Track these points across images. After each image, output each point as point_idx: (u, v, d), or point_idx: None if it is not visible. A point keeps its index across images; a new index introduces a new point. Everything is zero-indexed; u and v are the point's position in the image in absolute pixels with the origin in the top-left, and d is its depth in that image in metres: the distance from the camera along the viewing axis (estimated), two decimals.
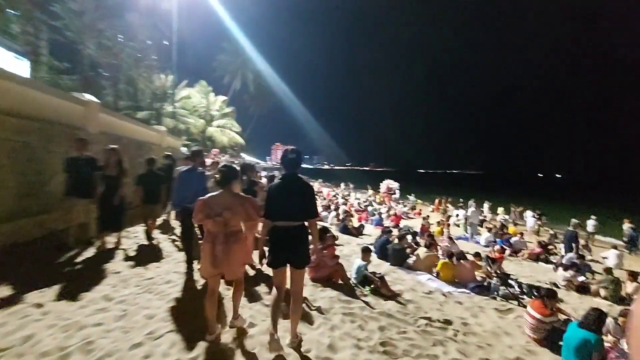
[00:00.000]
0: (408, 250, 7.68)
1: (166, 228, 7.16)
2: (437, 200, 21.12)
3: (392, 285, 5.76)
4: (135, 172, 5.84)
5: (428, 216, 13.47)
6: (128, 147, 7.78)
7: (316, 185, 35.47)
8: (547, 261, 10.35)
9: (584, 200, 44.02)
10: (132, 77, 26.17)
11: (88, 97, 6.38)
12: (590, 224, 15.96)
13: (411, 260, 7.43)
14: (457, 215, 17.41)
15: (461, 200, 20.30)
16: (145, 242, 5.78)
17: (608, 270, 7.35)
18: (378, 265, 7.13)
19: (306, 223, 2.72)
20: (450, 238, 9.31)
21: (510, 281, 6.66)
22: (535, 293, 6.51)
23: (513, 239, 11.49)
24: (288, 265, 2.74)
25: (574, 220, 10.77)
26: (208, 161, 21.27)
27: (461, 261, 6.85)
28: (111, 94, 25.69)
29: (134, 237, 6.07)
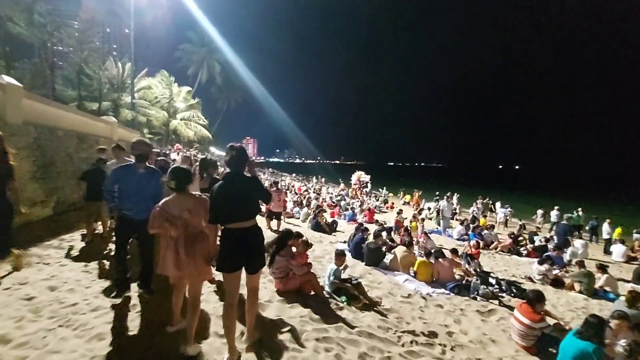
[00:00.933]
0: (384, 249, 7.25)
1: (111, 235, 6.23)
2: (415, 194, 20.91)
3: (369, 289, 5.30)
4: (77, 170, 4.86)
5: (401, 210, 13.21)
6: (65, 140, 6.73)
7: (287, 179, 34.70)
8: (519, 253, 10.38)
9: (543, 190, 46.52)
10: (86, 65, 24.09)
11: (7, 79, 5.30)
12: (554, 214, 16.50)
13: (388, 259, 7.01)
14: (429, 208, 17.39)
15: (437, 193, 20.31)
16: (77, 253, 4.87)
17: (581, 264, 7.31)
18: (353, 266, 6.65)
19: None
20: (425, 234, 9.03)
21: (490, 279, 6.39)
22: (515, 290, 6.30)
23: (484, 232, 11.44)
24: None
25: (567, 215, 10.75)
26: (174, 156, 20.06)
27: (439, 260, 6.50)
28: (63, 84, 23.50)
29: (67, 245, 5.13)
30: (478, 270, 6.71)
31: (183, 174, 2.63)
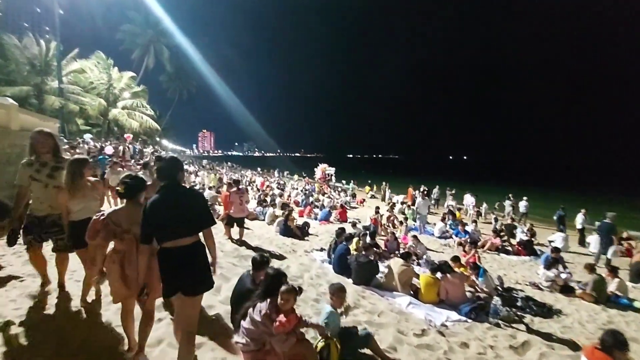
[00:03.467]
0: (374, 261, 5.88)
1: None
2: (410, 190, 18.35)
3: (370, 323, 3.93)
4: None
5: (378, 208, 12.03)
6: None
7: (248, 173, 32.51)
8: (506, 251, 9.62)
9: (498, 180, 48.34)
10: None
11: None
12: (522, 205, 16.29)
13: (381, 275, 5.66)
14: (403, 203, 16.46)
15: (423, 187, 19.39)
16: None
17: (591, 268, 6.46)
18: (333, 280, 5.23)
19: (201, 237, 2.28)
20: (415, 237, 7.82)
21: (513, 296, 5.25)
22: (534, 307, 5.25)
23: (468, 228, 10.59)
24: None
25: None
26: (110, 149, 17.28)
27: (447, 275, 5.25)
28: None
29: None
30: (497, 285, 5.53)
31: (134, 181, 2.44)
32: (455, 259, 6.18)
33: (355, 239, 6.94)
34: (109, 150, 16.84)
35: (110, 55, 27.11)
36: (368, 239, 7.32)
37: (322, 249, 7.84)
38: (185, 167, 27.57)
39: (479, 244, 9.69)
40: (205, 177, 20.79)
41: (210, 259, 2.39)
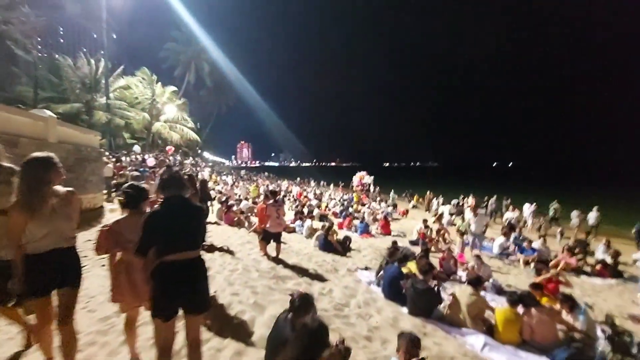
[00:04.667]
0: (435, 287, 4.89)
1: None
2: (473, 199, 16.20)
3: None
4: None
5: (426, 220, 10.89)
6: None
7: (285, 183, 32.32)
8: (585, 273, 8.13)
9: (546, 188, 44.07)
10: (54, 64, 21.65)
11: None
12: (592, 216, 14.21)
13: (444, 305, 4.68)
14: (453, 214, 15.06)
15: (472, 198, 17.60)
16: None
17: None
18: (385, 309, 4.36)
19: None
20: (478, 257, 6.67)
21: (625, 340, 4.04)
22: None
23: (535, 244, 9.17)
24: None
25: None
26: (151, 161, 17.65)
27: (532, 309, 4.17)
28: (26, 83, 20.97)
29: None
30: (609, 328, 4.31)
31: (136, 191, 2.45)
32: (537, 286, 5.05)
33: (410, 262, 5.98)
34: (150, 162, 17.19)
35: (155, 72, 28.42)
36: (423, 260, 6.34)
37: (367, 268, 6.96)
38: (224, 178, 28.00)
39: (551, 263, 8.27)
40: (244, 187, 20.64)
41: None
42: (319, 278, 5.73)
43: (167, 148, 23.45)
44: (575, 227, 13.92)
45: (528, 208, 15.10)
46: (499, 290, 6.16)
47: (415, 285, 4.64)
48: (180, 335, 2.26)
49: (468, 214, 14.27)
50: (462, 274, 6.85)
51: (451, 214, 14.56)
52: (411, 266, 5.91)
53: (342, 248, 8.32)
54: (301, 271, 5.94)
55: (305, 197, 20.10)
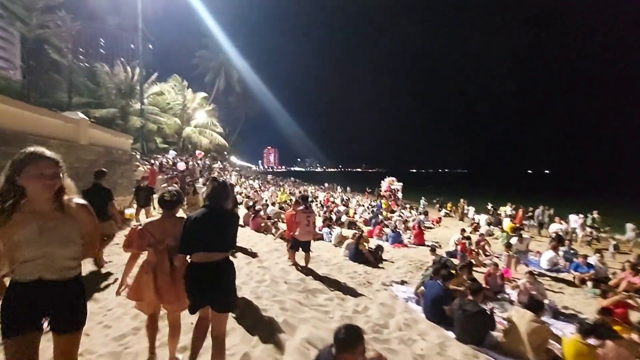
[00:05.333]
0: (488, 310, 4.29)
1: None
2: (520, 211, 15.31)
3: None
4: None
5: (464, 230, 10.13)
6: None
7: (311, 189, 32.05)
8: None
9: (583, 197, 40.83)
10: (92, 71, 22.68)
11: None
12: (630, 227, 12.83)
13: (498, 333, 4.07)
14: (491, 223, 14.10)
15: (510, 207, 16.55)
16: None
17: None
18: (429, 333, 3.84)
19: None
20: (531, 274, 5.91)
21: None
22: None
23: (591, 260, 8.20)
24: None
25: None
26: (182, 165, 17.88)
27: (608, 342, 3.50)
28: (66, 90, 22.08)
29: None
30: None
31: (174, 195, 2.53)
32: (606, 312, 4.33)
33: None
34: (181, 166, 17.42)
35: (186, 79, 29.21)
36: (465, 272, 5.74)
37: (403, 282, 6.41)
38: (251, 182, 28.15)
39: (611, 283, 7.34)
40: (273, 192, 20.50)
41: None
42: (352, 292, 5.26)
43: (197, 152, 23.90)
44: (630, 242, 12.60)
45: (575, 220, 13.87)
46: (555, 313, 5.44)
47: (464, 306, 4.07)
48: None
49: (506, 223, 13.27)
50: (511, 292, 6.16)
51: (489, 224, 13.61)
52: (457, 280, 5.34)
53: (374, 258, 7.81)
54: (332, 283, 5.51)
55: (333, 202, 19.68)
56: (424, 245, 10.58)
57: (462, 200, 18.38)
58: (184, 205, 5.03)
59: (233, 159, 52.88)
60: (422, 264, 8.20)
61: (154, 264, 2.35)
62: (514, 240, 8.28)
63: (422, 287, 4.92)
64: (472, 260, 7.36)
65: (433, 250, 7.92)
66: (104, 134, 8.36)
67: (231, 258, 2.46)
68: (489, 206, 18.36)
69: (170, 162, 17.35)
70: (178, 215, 2.58)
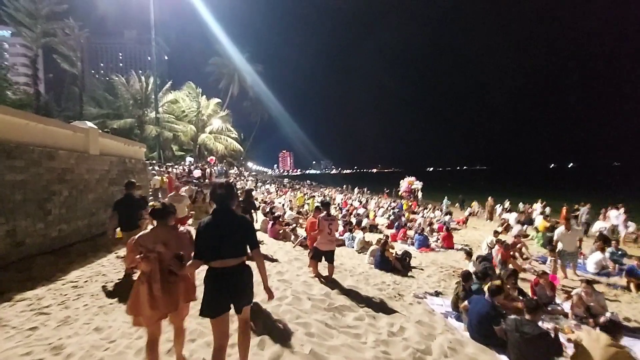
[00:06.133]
0: (552, 331, 3.64)
1: None
2: (564, 209, 13.02)
3: None
4: None
5: (497, 232, 9.36)
6: None
7: (328, 191, 31.55)
8: None
9: (609, 190, 38.30)
10: (110, 83, 23.02)
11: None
12: None
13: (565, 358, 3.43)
14: (522, 222, 13.19)
15: (541, 204, 15.57)
16: None
17: None
18: (480, 358, 3.26)
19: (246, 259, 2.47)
20: (588, 284, 5.18)
21: None
22: None
23: None
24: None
25: None
26: (197, 172, 17.72)
27: None
28: (87, 103, 22.49)
29: None
30: None
31: (163, 207, 2.60)
32: None
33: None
34: (196, 173, 17.25)
35: (201, 86, 29.29)
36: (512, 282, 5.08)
37: (437, 293, 5.81)
38: (267, 187, 27.90)
39: None
40: (292, 197, 20.06)
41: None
42: (383, 308, 4.70)
43: (209, 158, 23.89)
44: None
45: (616, 215, 12.78)
46: None
47: (522, 328, 3.45)
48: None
49: (538, 221, 12.31)
50: (562, 303, 5.45)
51: (521, 224, 12.70)
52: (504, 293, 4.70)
53: (402, 266, 7.22)
54: (360, 298, 4.96)
55: (351, 205, 19.10)
56: (453, 248, 9.89)
57: (489, 198, 17.40)
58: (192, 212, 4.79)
59: (249, 164, 53.02)
60: (455, 270, 7.57)
61: (148, 274, 2.34)
62: (562, 237, 7.42)
63: (466, 302, 4.31)
64: (515, 268, 6.65)
65: (469, 254, 7.25)
66: (116, 143, 8.10)
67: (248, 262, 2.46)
68: (520, 204, 17.39)
69: (187, 170, 17.23)
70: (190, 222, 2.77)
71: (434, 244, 10.05)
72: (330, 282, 5.49)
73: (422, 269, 7.57)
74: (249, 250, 2.48)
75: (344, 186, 38.23)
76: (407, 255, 7.71)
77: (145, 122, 22.03)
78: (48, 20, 19.96)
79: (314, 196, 21.76)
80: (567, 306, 5.34)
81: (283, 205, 15.53)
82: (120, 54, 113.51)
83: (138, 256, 2.34)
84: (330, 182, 57.75)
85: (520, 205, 17.83)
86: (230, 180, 19.02)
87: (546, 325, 4.22)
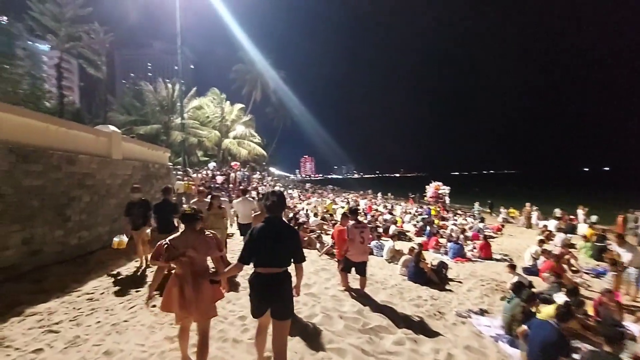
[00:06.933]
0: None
1: None
2: (620, 218, 11.89)
3: None
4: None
5: (543, 241, 8.52)
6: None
7: (351, 197, 30.93)
8: None
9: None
10: (139, 91, 23.62)
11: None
12: None
13: None
14: (562, 230, 12.15)
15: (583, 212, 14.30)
16: None
17: None
18: None
19: (289, 268, 2.58)
20: None
21: None
22: None
23: None
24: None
25: None
26: (220, 178, 17.67)
27: None
28: (117, 110, 23.19)
29: None
30: None
31: (194, 213, 2.68)
32: None
33: (547, 306, 4.12)
34: (219, 179, 17.19)
35: (227, 95, 29.65)
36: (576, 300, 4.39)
37: (483, 312, 5.17)
38: (290, 192, 27.65)
39: None
40: (317, 203, 19.61)
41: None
42: (424, 329, 4.17)
43: (233, 163, 23.99)
44: None
45: None
46: None
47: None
48: None
49: (582, 229, 11.22)
50: (632, 326, 4.69)
51: (564, 232, 11.67)
52: (547, 311, 4.08)
53: (439, 278, 6.60)
54: (397, 316, 4.44)
55: (376, 210, 18.44)
56: (491, 258, 9.11)
57: (527, 204, 16.24)
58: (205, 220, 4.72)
59: (272, 169, 53.22)
60: (497, 284, 6.85)
61: (181, 277, 2.51)
62: (622, 250, 6.54)
63: (525, 326, 3.69)
64: (568, 283, 5.90)
65: (512, 267, 6.53)
66: (140, 148, 7.99)
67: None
68: (557, 210, 16.14)
69: (210, 175, 17.23)
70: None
71: (469, 254, 9.31)
72: (362, 296, 5.00)
73: (460, 282, 6.91)
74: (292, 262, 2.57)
75: (368, 191, 37.48)
76: (443, 266, 7.08)
77: (171, 128, 22.40)
78: (72, 24, 20.64)
79: (336, 202, 21.28)
80: (635, 329, 4.60)
81: (307, 211, 15.13)
82: (150, 64, 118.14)
83: (170, 259, 2.48)
84: (352, 187, 57.02)
85: (557, 211, 16.55)
86: (254, 186, 18.88)
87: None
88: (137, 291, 4.42)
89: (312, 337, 3.43)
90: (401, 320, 4.30)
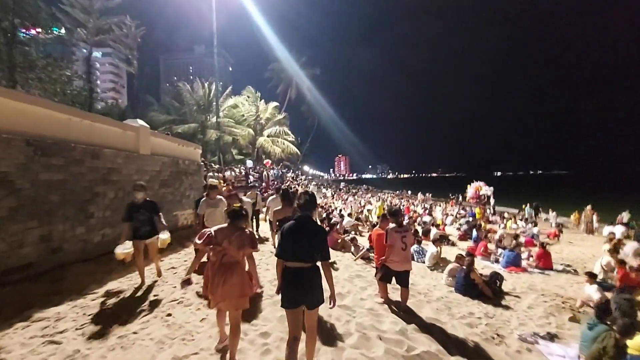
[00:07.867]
0: None
1: None
2: None
3: None
4: None
5: (614, 250, 7.30)
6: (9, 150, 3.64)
7: (386, 197, 29.87)
8: None
9: None
10: (177, 91, 24.28)
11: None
12: None
13: None
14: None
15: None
16: None
17: None
18: None
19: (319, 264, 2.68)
20: None
21: None
22: None
23: None
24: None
25: None
26: (251, 177, 17.53)
27: None
28: (159, 110, 24.02)
29: None
30: None
31: (242, 212, 2.90)
32: None
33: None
34: (251, 177, 17.08)
35: (262, 93, 29.84)
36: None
37: (552, 336, 4.28)
38: (324, 191, 27.24)
39: None
40: (352, 203, 18.97)
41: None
42: (483, 358, 3.41)
43: (265, 161, 24.05)
44: None
45: None
46: None
47: None
48: None
49: None
50: None
51: (635, 239, 10.10)
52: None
53: (492, 292, 5.72)
54: (446, 339, 3.71)
55: (414, 212, 17.43)
56: (552, 269, 7.97)
57: (588, 208, 14.45)
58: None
59: (306, 168, 53.14)
60: (564, 301, 5.83)
61: (212, 263, 2.71)
62: None
63: None
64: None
65: (592, 275, 5.52)
66: (169, 143, 7.81)
67: None
68: (624, 214, 14.27)
69: (243, 173, 17.18)
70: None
71: (524, 263, 8.22)
72: (403, 311, 4.32)
73: (517, 296, 5.96)
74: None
75: (407, 191, 36.13)
76: (497, 277, 6.17)
77: (207, 126, 22.78)
78: (101, 16, 21.33)
79: (371, 202, 20.47)
80: None
81: (340, 210, 14.53)
82: (191, 67, 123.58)
83: (207, 245, 2.64)
84: (387, 187, 55.51)
85: (625, 215, 14.60)
86: (287, 184, 18.59)
87: None
88: (155, 297, 4.07)
89: None
90: (453, 345, 3.58)
